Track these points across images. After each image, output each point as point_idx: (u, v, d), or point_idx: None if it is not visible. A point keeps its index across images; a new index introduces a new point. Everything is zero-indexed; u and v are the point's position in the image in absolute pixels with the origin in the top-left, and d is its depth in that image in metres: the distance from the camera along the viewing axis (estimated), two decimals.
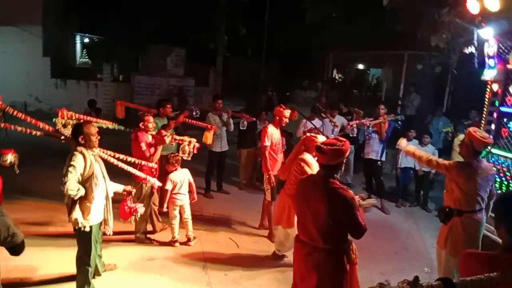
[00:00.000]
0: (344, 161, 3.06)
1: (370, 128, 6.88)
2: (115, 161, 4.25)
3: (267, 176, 5.59)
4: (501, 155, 5.19)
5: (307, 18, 13.85)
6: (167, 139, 5.02)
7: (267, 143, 5.53)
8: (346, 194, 2.85)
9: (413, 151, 4.35)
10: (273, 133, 5.60)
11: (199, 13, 14.27)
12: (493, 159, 5.27)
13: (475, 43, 5.28)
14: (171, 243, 5.23)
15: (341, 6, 12.82)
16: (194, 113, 6.74)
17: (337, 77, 24.11)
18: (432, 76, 11.68)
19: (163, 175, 5.33)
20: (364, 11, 11.58)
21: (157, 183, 4.91)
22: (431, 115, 9.19)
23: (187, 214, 5.30)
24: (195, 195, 5.41)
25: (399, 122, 8.99)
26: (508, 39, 5.03)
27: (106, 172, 3.97)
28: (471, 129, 3.98)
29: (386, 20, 9.52)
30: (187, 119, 6.21)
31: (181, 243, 5.25)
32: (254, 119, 7.63)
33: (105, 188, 3.90)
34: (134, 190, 4.32)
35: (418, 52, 11.21)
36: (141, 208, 4.31)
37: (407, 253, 5.51)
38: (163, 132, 5.12)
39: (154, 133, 5.23)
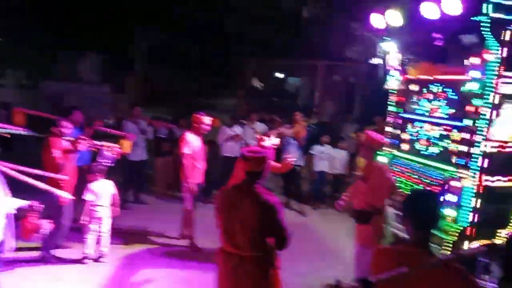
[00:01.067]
0: (268, 168, 3.10)
1: (287, 137, 7.11)
2: (19, 175, 3.82)
3: (186, 185, 5.46)
4: (404, 158, 5.67)
5: (225, 26, 14.01)
6: (81, 147, 4.68)
7: (185, 150, 5.42)
8: (272, 199, 2.90)
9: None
10: (192, 141, 5.50)
11: (115, 18, 13.65)
12: (397, 161, 5.73)
13: (381, 54, 5.73)
14: (81, 261, 4.85)
15: (258, 17, 13.17)
16: (109, 122, 6.38)
17: (257, 85, 24.62)
18: (344, 85, 12.50)
19: (81, 187, 4.98)
20: (282, 22, 12.03)
21: (67, 196, 4.54)
22: (343, 121, 9.78)
23: (105, 229, 4.97)
24: (118, 209, 5.09)
25: (313, 127, 9.45)
26: (408, 52, 5.54)
27: (9, 186, 3.56)
28: (368, 131, 4.38)
29: (303, 32, 9.98)
30: (101, 128, 5.86)
31: (93, 260, 4.90)
32: (174, 126, 7.46)
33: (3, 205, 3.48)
34: (42, 206, 3.91)
35: (331, 62, 11.93)
36: (45, 225, 3.92)
37: (324, 252, 5.75)
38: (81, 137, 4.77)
39: (70, 138, 4.84)
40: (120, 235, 5.67)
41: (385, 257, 2.14)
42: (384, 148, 5.82)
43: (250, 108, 11.62)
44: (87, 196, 4.81)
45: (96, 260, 4.92)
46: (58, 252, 4.94)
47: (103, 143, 5.08)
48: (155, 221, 6.32)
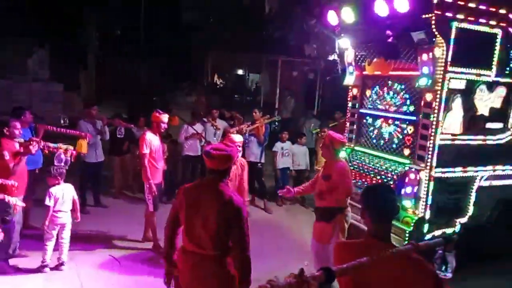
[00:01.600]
0: (232, 166, 3.08)
1: (247, 135, 7.10)
2: None
3: (147, 186, 5.34)
4: (362, 152, 5.84)
5: (183, 19, 13.77)
6: (33, 149, 4.44)
7: (146, 150, 5.29)
8: (236, 198, 2.87)
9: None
10: (152, 140, 5.38)
11: (61, 5, 12.88)
12: (356, 155, 5.89)
13: (337, 51, 5.84)
14: (40, 270, 4.63)
15: (217, 10, 13.06)
16: (62, 121, 6.09)
17: (218, 82, 24.46)
18: (304, 81, 12.67)
19: (31, 192, 4.79)
20: (241, 17, 11.99)
21: (19, 203, 4.31)
22: (303, 117, 9.92)
23: (66, 235, 4.76)
24: (79, 214, 4.88)
25: (276, 123, 9.52)
26: (363, 49, 5.69)
27: None
28: (329, 131, 4.46)
29: (263, 27, 10.01)
30: (55, 128, 5.61)
31: (51, 269, 4.69)
32: (132, 125, 7.26)
33: None
34: None
35: (291, 59, 12.04)
36: None
37: (289, 248, 5.82)
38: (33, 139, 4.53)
39: (21, 140, 4.58)
40: (80, 240, 5.45)
41: (346, 250, 2.18)
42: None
43: (210, 104, 11.51)
44: (48, 201, 4.59)
45: (55, 268, 4.71)
46: (14, 261, 4.68)
47: (59, 145, 4.85)
48: (116, 224, 6.14)
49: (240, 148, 4.82)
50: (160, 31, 17.72)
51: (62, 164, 4.77)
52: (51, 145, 4.82)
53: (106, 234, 5.85)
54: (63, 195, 4.70)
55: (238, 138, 4.83)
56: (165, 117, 5.44)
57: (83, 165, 6.60)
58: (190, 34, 15.71)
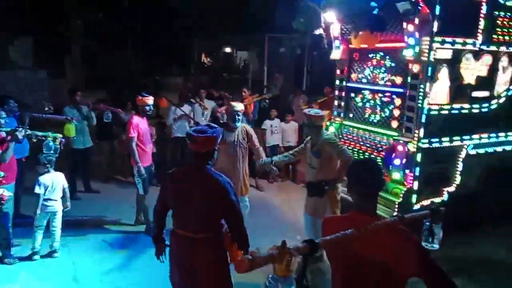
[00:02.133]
0: (217, 148, 3.02)
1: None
2: None
3: (136, 169, 5.31)
4: (351, 126, 5.84)
5: (170, 1, 13.47)
6: (20, 135, 4.37)
7: (133, 134, 5.25)
8: (222, 179, 2.85)
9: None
10: (139, 123, 5.33)
11: None
12: (345, 130, 5.89)
13: (323, 25, 5.75)
14: (30, 257, 4.63)
15: None
16: (46, 109, 5.99)
17: (206, 61, 24.17)
18: (292, 58, 12.53)
19: (19, 181, 4.77)
20: None
21: (6, 192, 4.27)
22: (292, 94, 9.86)
23: (57, 223, 4.74)
24: (69, 203, 4.85)
25: (267, 101, 9.45)
26: (348, 22, 5.61)
27: None
28: (305, 110, 4.46)
29: (248, 4, 9.81)
30: (40, 115, 5.53)
31: (44, 256, 4.69)
32: (119, 110, 7.17)
33: None
34: None
35: (277, 35, 11.88)
36: None
37: (281, 225, 5.87)
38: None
39: (8, 129, 4.50)
40: (72, 226, 5.43)
41: (333, 225, 2.19)
42: (329, 118, 5.96)
43: (198, 85, 11.38)
44: (37, 189, 4.56)
45: (48, 255, 4.71)
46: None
47: (48, 133, 4.78)
48: (107, 209, 6.13)
49: (241, 117, 5.04)
50: (145, 16, 17.36)
51: (51, 152, 4.71)
52: (39, 133, 4.75)
53: (98, 219, 5.84)
54: (53, 183, 4.67)
55: (239, 106, 5.04)
56: (149, 100, 5.39)
57: (72, 151, 6.53)
58: (175, 19, 15.38)
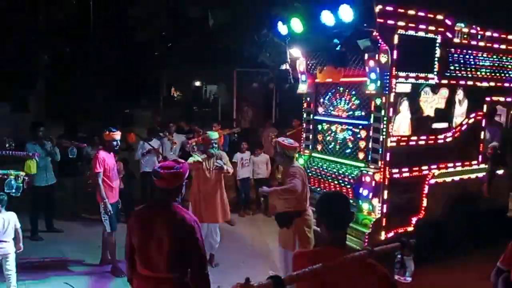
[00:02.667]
0: (184, 184, 2.96)
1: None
2: None
3: (102, 205, 5.14)
4: (320, 158, 5.94)
5: (136, 37, 13.54)
6: None
7: (99, 169, 5.11)
8: (189, 217, 2.77)
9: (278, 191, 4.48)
10: (105, 159, 5.21)
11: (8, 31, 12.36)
12: (314, 162, 5.98)
13: (289, 60, 5.94)
14: None
15: (169, 26, 12.96)
16: (7, 144, 5.76)
17: (175, 95, 24.19)
18: (260, 91, 12.78)
19: None
20: (192, 31, 11.96)
21: None
22: (262, 127, 9.97)
23: (11, 265, 4.45)
24: (21, 244, 4.59)
25: (236, 135, 9.51)
26: (313, 57, 5.82)
27: None
28: (279, 139, 4.53)
29: (215, 39, 10.01)
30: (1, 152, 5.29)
31: None
32: (85, 145, 7.01)
33: None
34: None
35: (246, 69, 12.12)
36: None
37: (253, 260, 5.77)
38: None
39: None
40: (33, 269, 5.18)
41: (302, 259, 2.18)
42: (299, 150, 6.04)
43: (167, 118, 11.32)
44: None
45: None
46: None
47: (10, 171, 4.56)
48: (71, 249, 5.86)
49: (216, 145, 5.41)
50: (111, 50, 17.34)
51: (13, 190, 4.48)
52: (0, 171, 4.54)
53: (61, 260, 5.56)
54: (4, 223, 4.42)
55: (213, 136, 5.38)
56: (117, 135, 5.31)
57: (34, 189, 6.25)
58: (142, 53, 15.45)
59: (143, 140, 7.34)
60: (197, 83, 25.13)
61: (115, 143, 5.29)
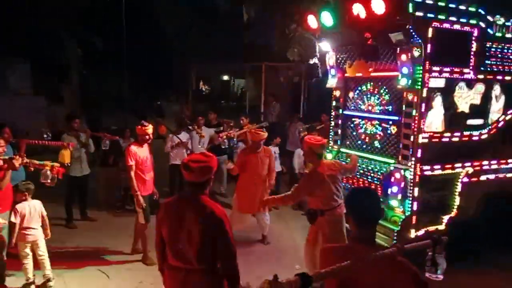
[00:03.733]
0: (213, 177, 3.01)
1: (235, 139, 7.11)
2: None
3: (135, 198, 5.28)
4: (348, 153, 5.87)
5: (167, 29, 13.75)
6: (17, 163, 4.36)
7: (131, 162, 5.25)
8: (218, 210, 2.80)
9: (273, 203, 4.58)
10: (137, 152, 5.33)
11: (42, 23, 12.74)
12: (342, 158, 5.92)
13: (318, 54, 5.88)
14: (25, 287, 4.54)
15: (199, 19, 13.09)
16: (44, 135, 6.00)
17: (203, 89, 24.43)
18: (289, 85, 12.72)
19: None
20: (223, 24, 12.03)
21: (1, 220, 4.24)
22: (289, 121, 9.93)
23: (42, 251, 4.65)
24: (49, 231, 4.77)
25: (264, 129, 9.50)
26: (343, 51, 5.74)
27: None
28: (306, 137, 4.50)
29: (245, 34, 10.04)
30: (36, 142, 5.54)
31: (37, 286, 4.60)
32: (117, 137, 7.20)
33: None
34: None
35: (275, 64, 12.08)
36: None
37: (279, 253, 5.80)
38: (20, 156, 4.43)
39: (4, 157, 4.50)
40: (68, 256, 5.39)
41: (330, 255, 2.17)
42: (328, 145, 6.00)
43: (195, 112, 11.46)
44: (14, 218, 4.48)
45: (43, 285, 4.62)
46: None
47: (45, 162, 4.76)
48: (104, 238, 6.07)
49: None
50: (142, 43, 17.65)
51: (49, 181, 4.67)
52: (37, 162, 4.73)
53: (94, 248, 5.77)
54: (30, 211, 4.60)
55: (264, 135, 5.98)
56: (149, 129, 5.39)
57: (69, 179, 6.50)
58: (172, 46, 15.67)
59: (172, 133, 7.47)
60: (225, 77, 25.25)
61: (147, 137, 5.39)
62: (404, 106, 4.89)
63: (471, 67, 4.97)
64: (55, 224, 6.41)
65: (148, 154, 5.51)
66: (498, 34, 5.12)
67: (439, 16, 4.56)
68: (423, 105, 4.71)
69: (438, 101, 4.84)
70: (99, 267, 5.20)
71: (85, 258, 5.44)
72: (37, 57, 13.57)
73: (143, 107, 14.18)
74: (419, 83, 4.66)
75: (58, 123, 12.33)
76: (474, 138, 5.17)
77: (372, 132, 5.55)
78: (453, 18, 4.66)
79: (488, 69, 5.14)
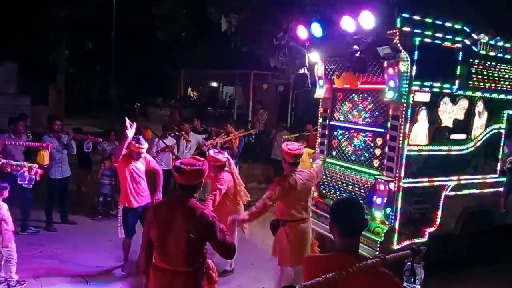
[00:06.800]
0: (203, 181, 3.03)
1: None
2: None
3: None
4: (334, 164, 5.90)
5: (158, 35, 13.71)
6: None
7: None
8: (207, 213, 2.85)
9: (251, 218, 4.28)
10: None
11: (31, 24, 12.65)
12: (328, 168, 5.94)
13: (307, 65, 5.92)
14: None
15: (190, 26, 13.10)
16: (25, 136, 5.89)
17: (192, 95, 24.33)
18: (276, 94, 12.77)
19: None
20: (212, 32, 12.03)
21: None
22: (275, 129, 9.96)
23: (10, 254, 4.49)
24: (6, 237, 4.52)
25: (253, 136, 9.51)
26: (332, 62, 5.80)
27: None
28: (283, 144, 4.43)
29: (232, 41, 10.04)
30: (13, 142, 5.42)
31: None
32: (101, 139, 7.10)
33: None
34: None
35: (263, 72, 12.12)
36: None
37: (262, 262, 5.74)
38: None
39: None
40: (47, 259, 5.26)
41: (314, 265, 2.16)
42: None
43: (183, 118, 11.40)
44: None
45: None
46: None
47: (23, 163, 4.65)
48: (84, 242, 5.95)
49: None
50: (133, 47, 17.58)
51: (26, 182, 4.56)
52: (14, 163, 4.62)
53: (74, 252, 5.64)
54: None
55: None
56: (143, 148, 5.09)
57: (48, 181, 6.37)
58: (161, 52, 15.64)
59: (158, 137, 7.41)
60: (214, 84, 25.19)
61: (142, 155, 5.13)
62: (390, 118, 4.95)
63: (456, 83, 5.07)
64: (35, 227, 6.28)
65: (143, 166, 5.21)
66: (482, 52, 5.25)
67: (426, 32, 4.65)
68: (408, 118, 4.78)
69: (423, 115, 4.92)
70: (78, 271, 5.08)
71: (64, 262, 5.33)
72: (25, 57, 13.40)
73: (127, 109, 14.05)
74: (405, 97, 4.73)
75: (42, 123, 12.14)
76: (457, 152, 5.26)
77: (358, 144, 5.59)
78: (439, 35, 4.76)
79: (472, 85, 5.25)
